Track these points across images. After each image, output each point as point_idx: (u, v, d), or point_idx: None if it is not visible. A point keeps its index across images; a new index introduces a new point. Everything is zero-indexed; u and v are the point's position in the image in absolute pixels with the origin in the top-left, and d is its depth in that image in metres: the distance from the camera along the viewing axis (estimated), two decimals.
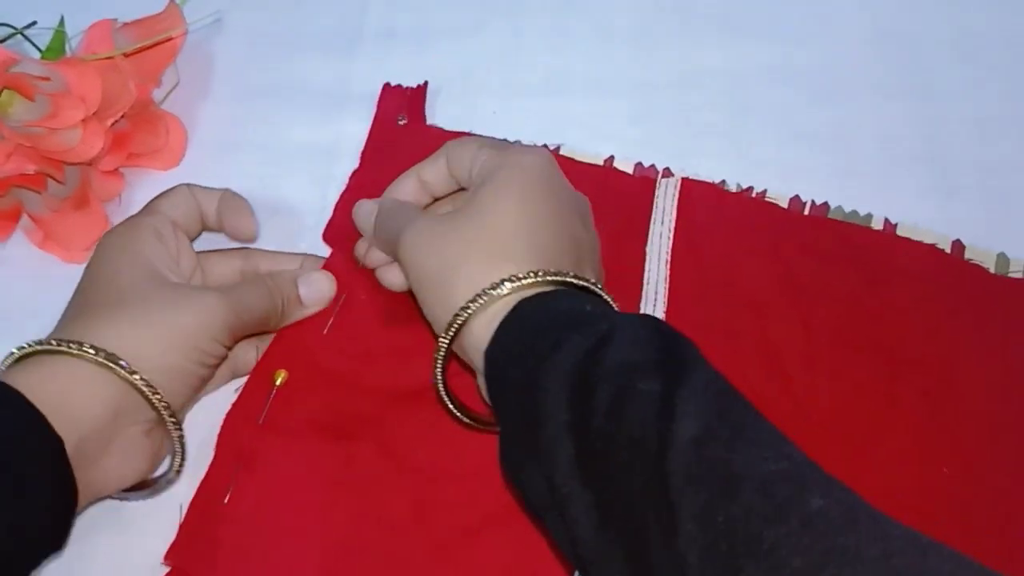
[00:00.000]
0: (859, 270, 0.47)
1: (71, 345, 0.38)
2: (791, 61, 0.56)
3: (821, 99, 0.55)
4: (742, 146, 0.53)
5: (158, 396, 0.39)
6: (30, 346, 0.38)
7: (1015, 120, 0.53)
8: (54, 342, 0.38)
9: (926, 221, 0.49)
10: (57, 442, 0.36)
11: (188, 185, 0.46)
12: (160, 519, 0.41)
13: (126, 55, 0.50)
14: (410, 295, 0.42)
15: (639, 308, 0.46)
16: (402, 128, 0.53)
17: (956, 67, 0.55)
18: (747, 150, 0.53)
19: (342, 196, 0.50)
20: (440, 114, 0.54)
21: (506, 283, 0.37)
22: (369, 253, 0.46)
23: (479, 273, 0.37)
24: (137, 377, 0.38)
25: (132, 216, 0.44)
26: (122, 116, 0.49)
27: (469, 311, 0.37)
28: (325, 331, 0.45)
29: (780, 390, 0.44)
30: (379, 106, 0.54)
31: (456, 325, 0.37)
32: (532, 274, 0.37)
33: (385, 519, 0.41)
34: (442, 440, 0.42)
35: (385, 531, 0.41)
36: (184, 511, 0.41)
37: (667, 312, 0.46)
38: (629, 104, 0.55)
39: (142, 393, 0.38)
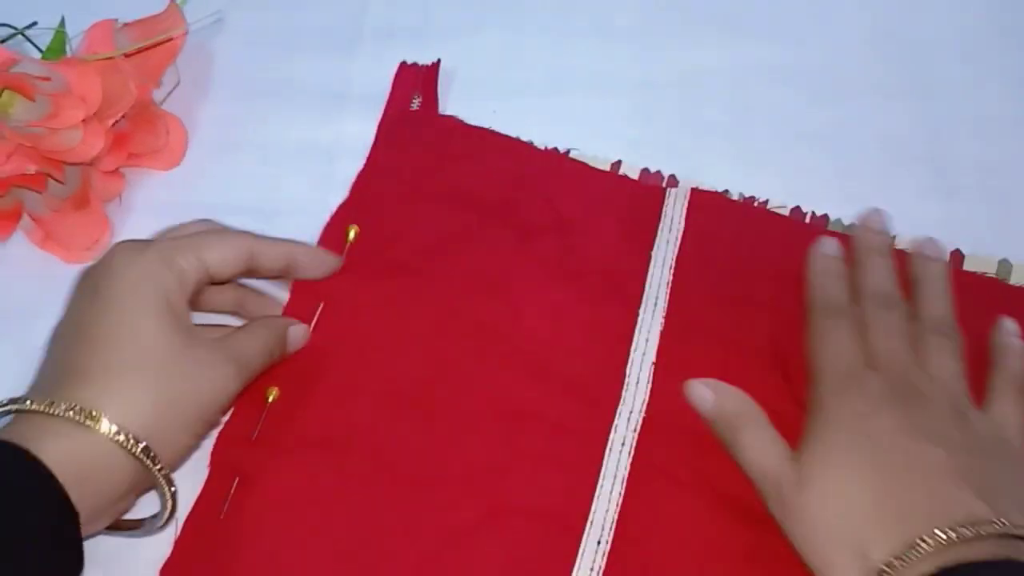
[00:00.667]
0: None
1: (100, 421, 0.36)
2: (791, 61, 0.56)
3: (821, 99, 0.55)
4: (742, 146, 0.53)
5: (167, 477, 0.38)
6: (40, 407, 0.36)
7: (1015, 120, 0.53)
8: (75, 414, 0.36)
9: (926, 221, 0.49)
10: (74, 517, 0.35)
11: (250, 237, 0.44)
12: (155, 537, 0.41)
13: (126, 55, 0.50)
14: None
15: (639, 311, 0.46)
16: (419, 114, 0.53)
17: (956, 67, 0.55)
18: (747, 150, 0.53)
19: (359, 176, 0.50)
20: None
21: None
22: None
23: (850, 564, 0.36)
24: (159, 468, 0.37)
25: (158, 243, 0.42)
26: (122, 116, 0.49)
27: None
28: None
29: (784, 394, 0.44)
30: (394, 85, 0.54)
31: None
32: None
33: (380, 527, 0.41)
34: (434, 443, 0.42)
35: (381, 539, 0.41)
36: (179, 527, 0.41)
37: (666, 315, 0.46)
38: (630, 104, 0.55)
39: (158, 481, 0.38)
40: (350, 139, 0.52)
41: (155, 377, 0.38)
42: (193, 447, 0.41)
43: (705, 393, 0.43)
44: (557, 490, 0.41)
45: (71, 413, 0.36)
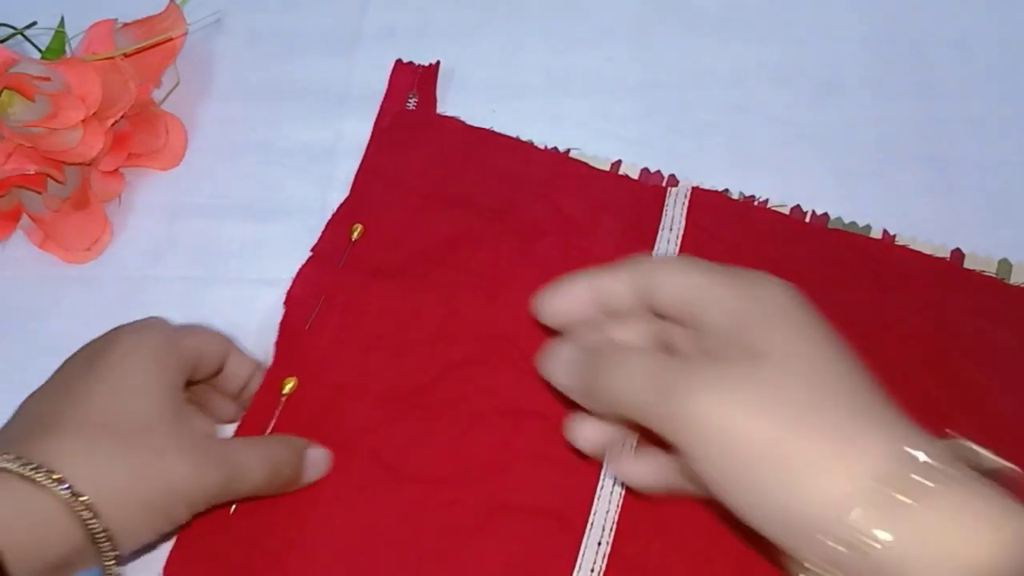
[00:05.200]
0: (866, 276, 0.47)
1: (53, 480, 0.33)
2: (791, 61, 0.56)
3: (821, 99, 0.55)
4: (742, 146, 0.53)
5: (113, 557, 0.34)
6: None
7: (1015, 120, 0.53)
8: (24, 466, 0.32)
9: (925, 221, 0.49)
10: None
11: (227, 341, 0.42)
12: None
13: (126, 55, 0.50)
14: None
15: None
16: (416, 114, 0.53)
17: (956, 67, 0.55)
18: (747, 150, 0.53)
19: (357, 177, 0.50)
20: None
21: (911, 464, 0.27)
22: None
23: (846, 454, 0.27)
24: (103, 540, 0.33)
25: (160, 323, 0.40)
26: (122, 116, 0.49)
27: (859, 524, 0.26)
28: (307, 327, 0.45)
29: None
30: (390, 83, 0.54)
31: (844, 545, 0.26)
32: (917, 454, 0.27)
33: (381, 529, 0.41)
34: (434, 443, 0.43)
35: (383, 541, 0.41)
36: None
37: None
38: (629, 104, 0.54)
39: (100, 558, 0.34)
40: (350, 139, 0.52)
41: (132, 445, 0.34)
42: (145, 539, 0.36)
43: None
44: (557, 490, 0.41)
45: (19, 465, 0.32)
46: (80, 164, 0.48)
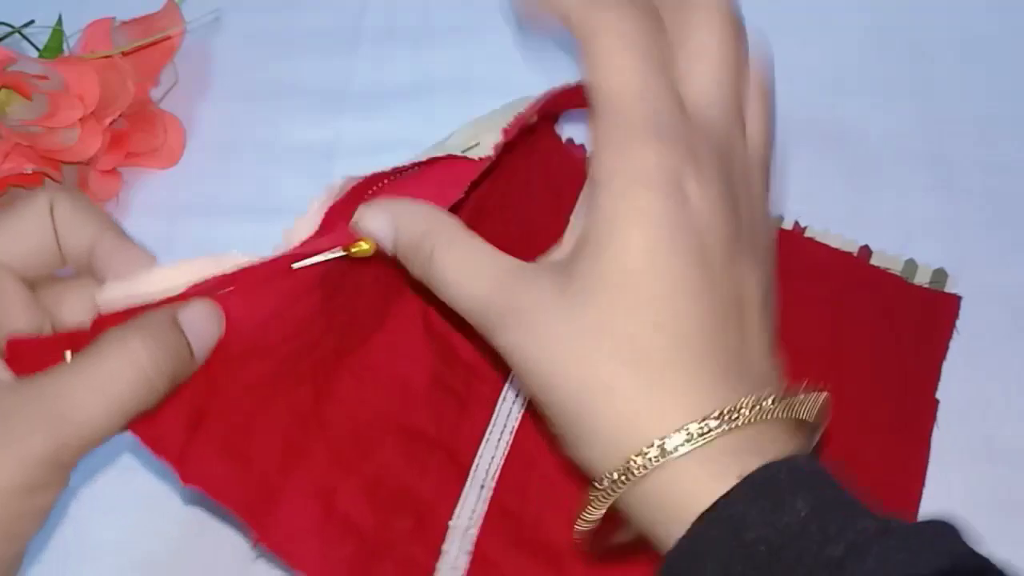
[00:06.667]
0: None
1: None
2: (791, 61, 0.56)
3: (821, 99, 0.54)
4: None
5: None
6: None
7: (1017, 120, 0.53)
8: None
9: (926, 221, 0.49)
10: None
11: (49, 197, 0.31)
12: (154, 531, 0.41)
13: (124, 54, 0.50)
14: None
15: None
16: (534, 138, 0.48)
17: (958, 67, 0.55)
18: None
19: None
20: (440, 114, 0.54)
21: (681, 445, 0.27)
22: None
23: (637, 409, 0.28)
24: None
25: None
26: (120, 115, 0.49)
27: (630, 478, 0.27)
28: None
29: None
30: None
31: (618, 487, 0.28)
32: (709, 422, 0.27)
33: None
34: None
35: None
36: None
37: None
38: None
39: None
40: (350, 139, 0.52)
41: None
42: None
43: (383, 223, 0.32)
44: (454, 426, 0.42)
45: None
46: (78, 163, 0.48)
